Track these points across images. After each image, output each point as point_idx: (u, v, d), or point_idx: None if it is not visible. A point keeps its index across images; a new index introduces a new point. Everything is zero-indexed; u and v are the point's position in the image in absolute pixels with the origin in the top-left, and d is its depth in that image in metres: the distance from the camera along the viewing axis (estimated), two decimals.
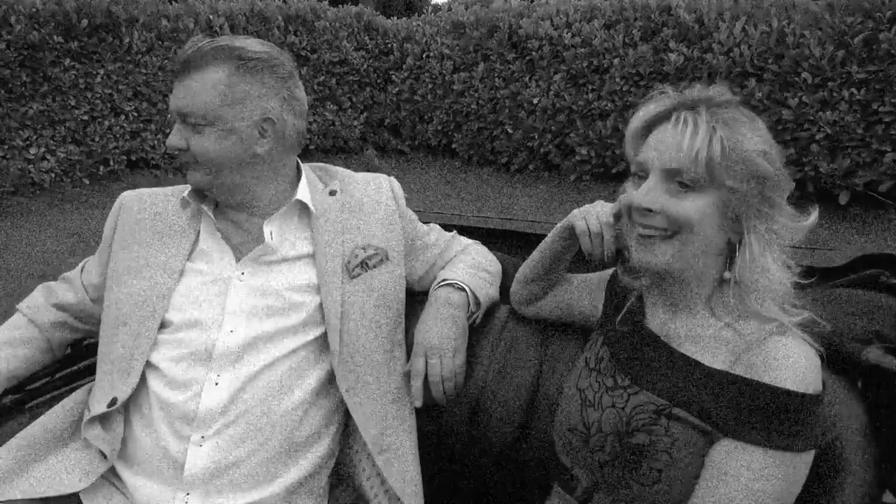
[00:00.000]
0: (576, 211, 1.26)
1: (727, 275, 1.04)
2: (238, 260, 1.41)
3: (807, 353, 0.97)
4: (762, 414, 0.95)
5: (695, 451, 1.00)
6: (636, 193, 1.05)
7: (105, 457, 1.30)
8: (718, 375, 1.00)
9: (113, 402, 1.32)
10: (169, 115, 1.21)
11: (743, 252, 1.02)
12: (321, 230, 1.46)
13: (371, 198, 1.56)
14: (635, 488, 1.04)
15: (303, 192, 1.47)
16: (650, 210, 1.03)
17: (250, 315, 1.36)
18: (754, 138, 1.01)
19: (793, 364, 0.95)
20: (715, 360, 1.03)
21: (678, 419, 1.01)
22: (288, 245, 1.45)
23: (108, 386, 1.35)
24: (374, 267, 1.48)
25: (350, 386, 1.38)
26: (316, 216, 1.47)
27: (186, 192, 1.45)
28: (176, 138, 1.36)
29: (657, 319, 1.15)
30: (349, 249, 1.46)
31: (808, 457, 0.96)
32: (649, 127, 1.09)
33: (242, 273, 1.40)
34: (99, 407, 1.33)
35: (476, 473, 1.53)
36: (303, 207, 1.48)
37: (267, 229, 1.42)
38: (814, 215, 1.06)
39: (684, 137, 1.01)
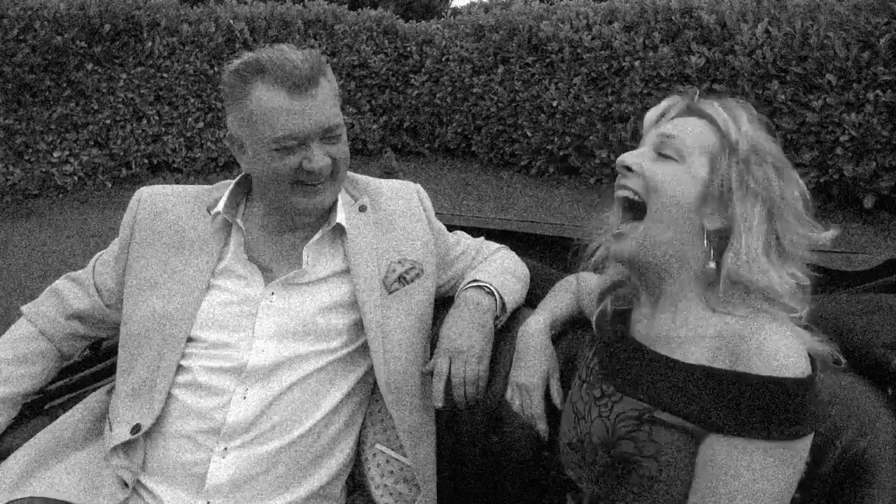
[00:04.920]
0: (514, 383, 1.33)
1: (711, 264, 1.02)
2: (267, 280, 1.39)
3: (787, 337, 0.93)
4: (746, 405, 0.91)
5: (683, 455, 0.97)
6: (624, 154, 1.09)
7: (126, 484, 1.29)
8: (699, 371, 0.97)
9: (136, 428, 1.30)
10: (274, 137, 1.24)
11: (735, 243, 0.99)
12: (355, 248, 1.44)
13: (401, 210, 1.54)
14: (629, 498, 1.02)
15: (341, 215, 1.44)
16: (630, 169, 1.07)
17: (281, 337, 1.35)
18: (746, 115, 1.06)
19: (772, 351, 0.91)
20: (694, 356, 1.00)
21: (661, 423, 0.98)
22: (320, 266, 1.43)
23: (128, 407, 1.33)
24: (412, 281, 1.48)
25: (393, 393, 1.40)
26: (349, 235, 1.45)
27: (222, 207, 1.40)
28: (325, 160, 1.31)
29: (641, 322, 1.13)
30: (385, 265, 1.45)
31: (801, 444, 0.92)
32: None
33: (272, 294, 1.38)
34: (122, 431, 1.30)
35: (493, 484, 1.51)
36: (337, 226, 1.45)
37: (305, 253, 1.40)
38: (831, 231, 1.02)
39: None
